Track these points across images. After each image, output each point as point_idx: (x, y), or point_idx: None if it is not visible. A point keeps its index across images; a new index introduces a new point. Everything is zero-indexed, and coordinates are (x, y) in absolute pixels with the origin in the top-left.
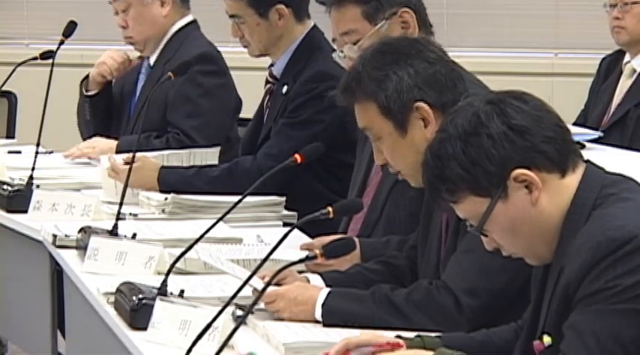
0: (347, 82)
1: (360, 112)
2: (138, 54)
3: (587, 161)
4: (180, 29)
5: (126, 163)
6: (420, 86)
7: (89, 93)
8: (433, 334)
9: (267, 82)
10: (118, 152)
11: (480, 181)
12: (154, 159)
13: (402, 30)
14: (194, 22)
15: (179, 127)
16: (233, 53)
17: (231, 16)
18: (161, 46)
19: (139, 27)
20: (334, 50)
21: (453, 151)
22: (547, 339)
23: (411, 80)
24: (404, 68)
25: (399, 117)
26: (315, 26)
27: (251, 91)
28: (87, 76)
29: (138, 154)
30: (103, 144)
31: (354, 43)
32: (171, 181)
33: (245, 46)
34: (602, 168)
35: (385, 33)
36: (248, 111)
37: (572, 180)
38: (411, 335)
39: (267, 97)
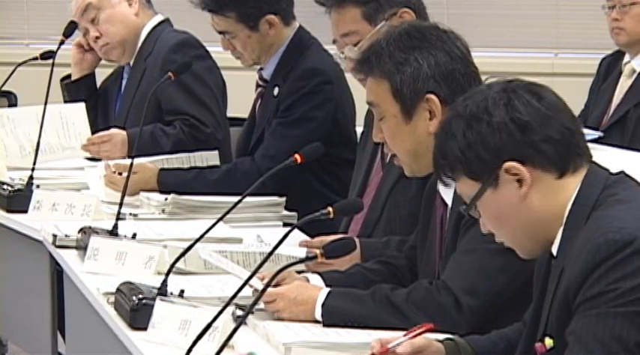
0: (367, 54)
1: (372, 87)
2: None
3: (592, 162)
4: (153, 28)
5: (119, 173)
6: (436, 78)
7: (67, 81)
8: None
9: (257, 85)
10: (130, 147)
11: (472, 165)
12: (150, 164)
13: None
14: (166, 20)
15: (187, 113)
16: (223, 53)
17: (220, 32)
18: (138, 48)
19: (112, 28)
20: (325, 50)
21: (455, 130)
22: (549, 341)
23: (429, 70)
24: (426, 57)
25: (407, 103)
26: (300, 26)
27: (242, 91)
28: (66, 76)
29: (135, 162)
30: (119, 143)
31: (355, 44)
32: (170, 185)
33: (237, 58)
34: (606, 169)
35: None
36: (239, 111)
37: (571, 181)
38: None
39: (259, 101)
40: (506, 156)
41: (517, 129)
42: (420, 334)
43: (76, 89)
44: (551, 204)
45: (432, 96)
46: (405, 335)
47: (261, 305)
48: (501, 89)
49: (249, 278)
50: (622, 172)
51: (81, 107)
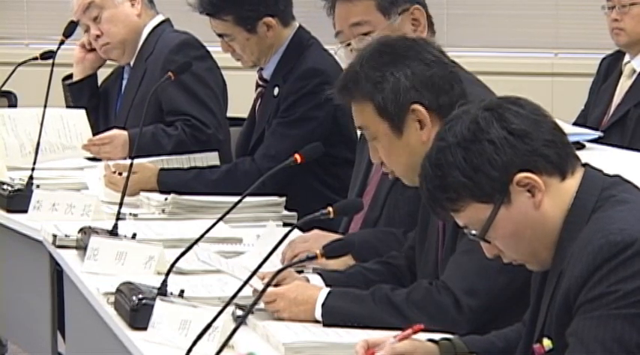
0: (344, 81)
1: (357, 112)
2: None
3: (586, 164)
4: (154, 28)
5: (119, 173)
6: (416, 88)
7: (69, 82)
8: (449, 335)
9: (257, 85)
10: (131, 147)
11: (482, 187)
12: (150, 164)
13: (412, 27)
14: (167, 20)
15: (188, 114)
16: (223, 53)
17: (220, 35)
18: (138, 48)
19: (114, 28)
20: (325, 49)
21: (454, 159)
22: (547, 342)
23: (407, 82)
24: (401, 69)
25: (395, 119)
26: (300, 26)
27: (242, 91)
28: (68, 76)
29: (135, 162)
30: (120, 144)
31: (365, 34)
32: (170, 185)
33: (237, 59)
34: (600, 171)
35: (397, 28)
36: (239, 111)
37: (572, 183)
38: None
39: (259, 101)
40: (514, 169)
41: (517, 140)
42: (408, 336)
43: (78, 89)
44: (560, 207)
45: (417, 106)
46: (394, 337)
47: (261, 305)
48: (484, 108)
49: (249, 278)
50: (618, 175)
51: (82, 114)
